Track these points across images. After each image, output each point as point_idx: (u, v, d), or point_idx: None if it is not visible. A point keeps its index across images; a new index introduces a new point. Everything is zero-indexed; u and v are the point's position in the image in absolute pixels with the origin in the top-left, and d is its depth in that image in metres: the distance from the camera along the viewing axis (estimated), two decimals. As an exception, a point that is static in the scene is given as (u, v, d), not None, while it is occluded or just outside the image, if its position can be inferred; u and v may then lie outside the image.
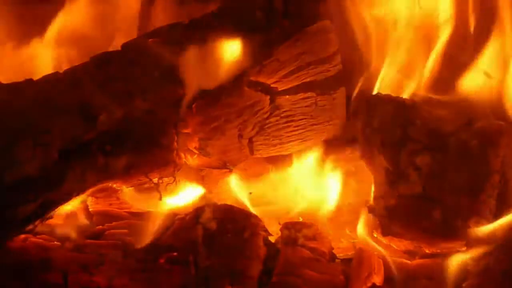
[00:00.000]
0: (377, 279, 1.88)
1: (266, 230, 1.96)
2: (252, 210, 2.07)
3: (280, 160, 2.21)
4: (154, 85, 1.97)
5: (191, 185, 2.12)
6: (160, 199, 2.03)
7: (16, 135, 1.79)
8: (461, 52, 2.27)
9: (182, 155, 2.04)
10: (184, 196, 2.12)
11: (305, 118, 2.15)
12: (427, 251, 1.97)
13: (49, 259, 1.85)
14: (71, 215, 2.05)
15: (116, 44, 2.11)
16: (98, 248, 1.91)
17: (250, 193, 2.20)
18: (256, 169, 2.22)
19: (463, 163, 1.97)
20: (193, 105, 2.01)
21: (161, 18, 2.38)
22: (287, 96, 2.12)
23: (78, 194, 1.90)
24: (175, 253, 1.86)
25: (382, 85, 2.24)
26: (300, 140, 2.17)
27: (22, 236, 1.90)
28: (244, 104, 2.06)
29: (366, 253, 1.94)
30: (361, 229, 2.03)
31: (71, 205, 2.03)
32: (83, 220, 2.07)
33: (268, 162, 2.21)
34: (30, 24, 2.35)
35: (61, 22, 2.34)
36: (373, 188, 2.04)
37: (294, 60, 2.11)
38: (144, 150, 1.95)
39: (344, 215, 2.14)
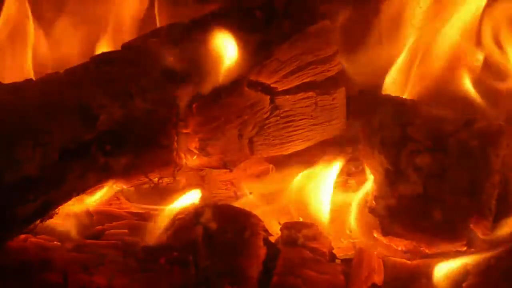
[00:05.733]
0: (377, 279, 1.88)
1: (266, 230, 1.96)
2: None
3: (280, 160, 2.21)
4: (154, 85, 1.97)
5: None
6: (160, 199, 2.03)
7: (16, 135, 1.79)
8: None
9: (182, 155, 2.04)
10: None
11: (305, 118, 2.15)
12: (427, 251, 1.97)
13: (49, 259, 1.85)
14: (71, 215, 2.05)
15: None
16: (98, 248, 1.91)
17: (250, 193, 2.20)
18: (256, 169, 2.22)
19: (463, 163, 1.96)
20: (193, 105, 2.01)
21: (161, 18, 2.39)
22: (287, 96, 2.12)
23: (78, 194, 1.90)
24: (175, 253, 1.86)
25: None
26: (300, 140, 2.17)
27: (22, 236, 1.90)
28: (244, 104, 2.06)
29: (366, 253, 1.94)
30: (360, 229, 2.03)
31: (71, 205, 2.03)
32: (83, 220, 2.07)
33: (268, 162, 2.21)
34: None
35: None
36: (373, 188, 2.05)
37: (294, 60, 2.11)
38: (144, 150, 1.95)
39: (344, 215, 2.14)
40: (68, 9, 2.43)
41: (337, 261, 1.96)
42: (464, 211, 1.92)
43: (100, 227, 2.05)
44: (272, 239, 1.97)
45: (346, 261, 1.96)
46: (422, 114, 2.04)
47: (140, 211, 2.14)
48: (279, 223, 2.01)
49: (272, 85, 2.10)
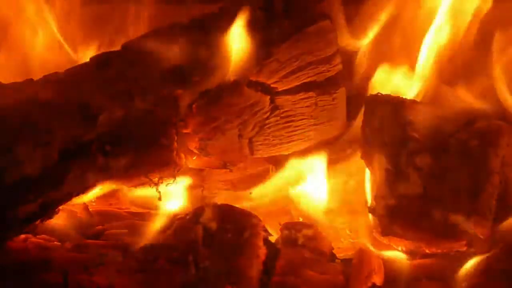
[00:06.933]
0: (377, 279, 1.88)
1: (266, 230, 1.96)
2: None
3: (280, 160, 2.21)
4: (154, 85, 1.97)
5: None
6: (160, 199, 2.03)
7: (16, 135, 1.79)
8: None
9: (182, 155, 2.04)
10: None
11: (305, 118, 2.15)
12: (427, 251, 1.97)
13: (49, 259, 1.85)
14: (71, 215, 2.06)
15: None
16: (98, 248, 1.91)
17: (250, 193, 2.20)
18: (256, 169, 2.22)
19: (463, 163, 1.96)
20: (193, 105, 2.01)
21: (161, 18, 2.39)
22: (287, 96, 2.12)
23: (78, 194, 1.91)
24: (175, 253, 1.86)
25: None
26: (300, 140, 2.17)
27: (22, 236, 1.91)
28: (244, 104, 2.06)
29: (366, 253, 1.94)
30: (361, 229, 2.03)
31: (71, 205, 2.03)
32: (83, 220, 2.07)
33: (268, 162, 2.21)
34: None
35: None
36: (373, 188, 2.05)
37: (294, 60, 2.11)
38: (144, 150, 1.95)
39: (344, 215, 2.14)
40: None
41: (337, 261, 1.97)
42: (464, 211, 1.92)
43: (100, 227, 2.05)
44: (272, 239, 1.98)
45: (346, 261, 1.96)
46: (422, 114, 2.04)
47: (140, 211, 2.14)
48: (279, 223, 2.01)
49: (272, 85, 2.10)
